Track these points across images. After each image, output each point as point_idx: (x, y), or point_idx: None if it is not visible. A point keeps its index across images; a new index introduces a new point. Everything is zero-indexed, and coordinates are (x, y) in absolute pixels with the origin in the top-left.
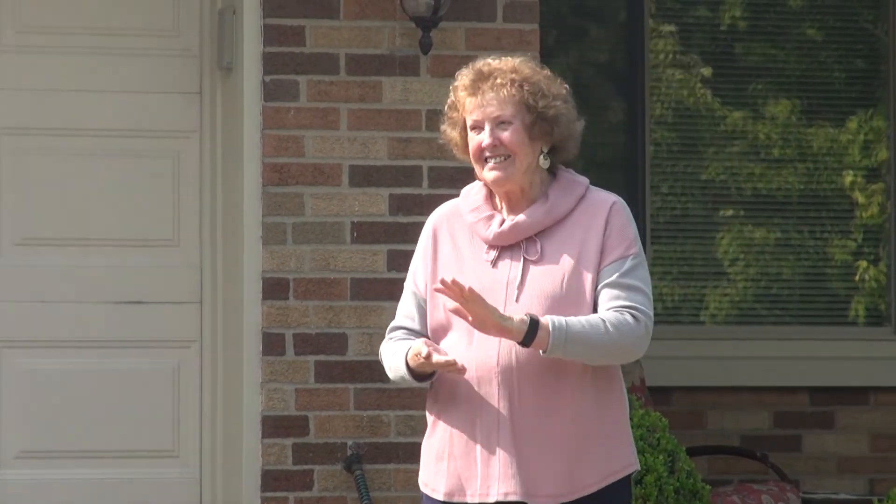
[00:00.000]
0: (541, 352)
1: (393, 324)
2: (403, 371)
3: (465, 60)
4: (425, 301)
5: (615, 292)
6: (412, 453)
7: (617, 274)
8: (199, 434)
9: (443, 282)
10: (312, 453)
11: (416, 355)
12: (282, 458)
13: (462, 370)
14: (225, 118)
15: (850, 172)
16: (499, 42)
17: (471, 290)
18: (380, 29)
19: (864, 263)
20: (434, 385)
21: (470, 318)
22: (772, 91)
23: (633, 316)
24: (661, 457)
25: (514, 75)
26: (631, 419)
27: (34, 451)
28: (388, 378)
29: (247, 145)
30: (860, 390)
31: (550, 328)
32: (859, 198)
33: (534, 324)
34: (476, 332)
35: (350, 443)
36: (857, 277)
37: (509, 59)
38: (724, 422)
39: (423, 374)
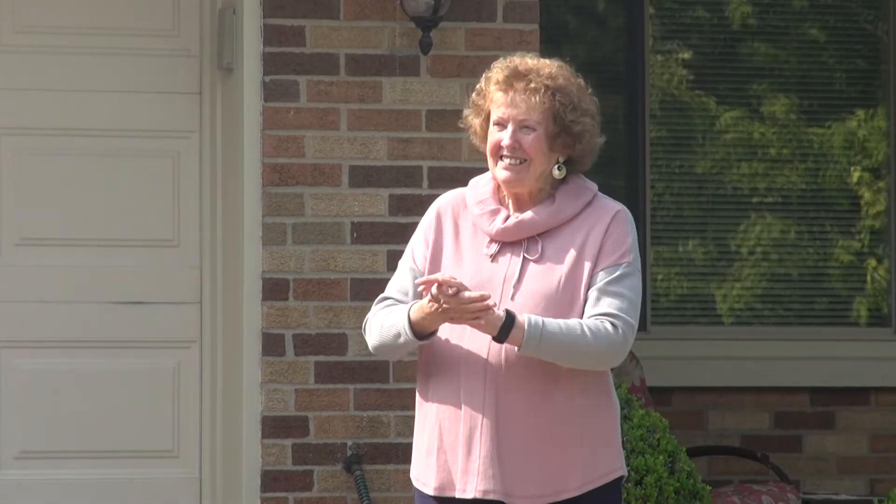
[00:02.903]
0: (516, 349)
1: (383, 295)
2: (402, 326)
3: (465, 60)
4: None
5: (600, 298)
6: (412, 454)
7: (606, 280)
8: (198, 434)
9: (424, 283)
10: (312, 454)
11: (429, 304)
12: (281, 458)
13: (488, 308)
14: (225, 118)
15: (852, 172)
16: (499, 42)
17: (444, 282)
18: (380, 29)
19: (873, 262)
20: (423, 378)
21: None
22: (772, 91)
23: (612, 324)
24: (661, 457)
25: (549, 82)
26: (631, 419)
27: (34, 451)
28: (388, 379)
29: (247, 146)
30: (860, 391)
31: (525, 326)
32: (861, 198)
33: (509, 320)
34: (468, 326)
35: (350, 443)
36: (868, 279)
37: (547, 61)
38: (725, 422)
39: (423, 332)
